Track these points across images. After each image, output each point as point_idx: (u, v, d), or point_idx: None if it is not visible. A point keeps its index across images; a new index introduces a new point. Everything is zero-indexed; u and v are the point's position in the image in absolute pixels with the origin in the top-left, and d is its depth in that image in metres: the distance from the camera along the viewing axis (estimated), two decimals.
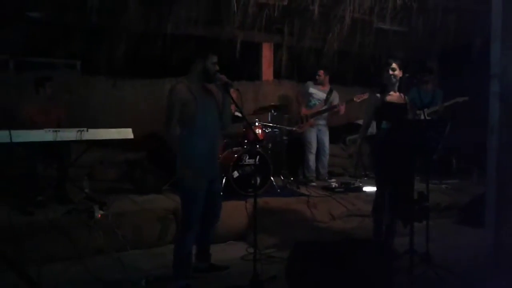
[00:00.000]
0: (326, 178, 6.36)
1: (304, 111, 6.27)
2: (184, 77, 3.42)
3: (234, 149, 5.41)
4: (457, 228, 5.27)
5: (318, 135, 6.32)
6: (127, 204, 4.70)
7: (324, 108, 6.23)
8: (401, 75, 4.05)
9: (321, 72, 6.35)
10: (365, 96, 5.52)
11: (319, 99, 6.29)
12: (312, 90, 6.32)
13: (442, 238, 4.53)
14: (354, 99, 5.79)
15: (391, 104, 4.04)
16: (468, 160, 6.97)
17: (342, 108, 6.04)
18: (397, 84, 4.07)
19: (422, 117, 4.23)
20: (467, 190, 5.94)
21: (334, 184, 5.88)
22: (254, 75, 7.67)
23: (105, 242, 4.09)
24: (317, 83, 6.36)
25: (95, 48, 6.58)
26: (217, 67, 3.40)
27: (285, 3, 6.50)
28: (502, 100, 4.41)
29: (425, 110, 5.97)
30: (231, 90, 3.44)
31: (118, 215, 4.32)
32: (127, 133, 4.61)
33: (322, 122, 6.33)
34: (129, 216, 4.38)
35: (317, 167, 6.38)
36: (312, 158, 6.29)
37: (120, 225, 4.20)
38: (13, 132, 3.84)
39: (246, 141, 5.52)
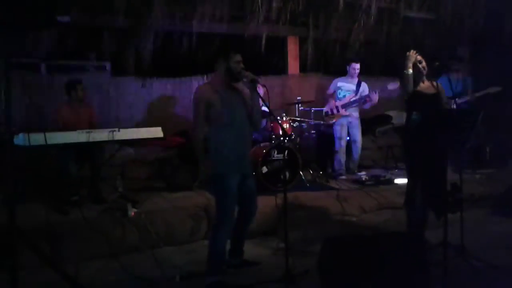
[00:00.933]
0: (356, 171, 6.29)
1: (333, 102, 6.20)
2: (211, 76, 3.45)
3: (262, 144, 5.42)
4: (492, 218, 5.13)
5: (349, 128, 6.23)
6: (159, 201, 4.80)
7: (355, 98, 6.15)
8: (425, 66, 3.98)
9: (357, 65, 6.16)
10: (397, 84, 5.41)
11: (348, 90, 6.21)
12: (340, 83, 6.25)
13: (476, 229, 4.43)
14: (388, 87, 5.69)
15: (422, 94, 3.97)
16: (502, 148, 6.77)
17: (375, 97, 5.93)
18: (424, 75, 3.99)
19: (454, 106, 4.14)
20: (501, 180, 5.78)
21: (364, 177, 5.82)
22: (280, 69, 7.65)
23: (139, 240, 4.18)
24: (346, 75, 6.26)
25: (124, 49, 6.69)
26: (242, 65, 3.40)
27: None
28: None
29: (456, 99, 5.87)
30: (258, 86, 3.44)
31: (151, 213, 4.41)
32: (157, 132, 4.68)
33: (355, 114, 6.22)
34: (161, 213, 4.46)
35: (347, 161, 6.31)
36: (341, 151, 6.22)
37: (152, 222, 4.28)
38: (48, 135, 3.95)
39: (274, 136, 5.53)
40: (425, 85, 4.01)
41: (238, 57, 3.39)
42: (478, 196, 5.42)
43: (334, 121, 6.19)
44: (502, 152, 6.74)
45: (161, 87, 6.82)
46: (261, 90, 3.54)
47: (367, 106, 6.17)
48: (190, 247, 4.33)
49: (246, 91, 3.50)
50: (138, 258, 4.02)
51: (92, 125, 4.82)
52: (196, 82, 6.96)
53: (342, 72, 6.38)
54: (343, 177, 6.07)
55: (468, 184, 5.16)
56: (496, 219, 5.07)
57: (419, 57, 3.96)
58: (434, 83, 3.99)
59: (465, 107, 6.01)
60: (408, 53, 4.00)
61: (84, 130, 4.27)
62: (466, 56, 7.90)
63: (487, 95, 6.09)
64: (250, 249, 4.00)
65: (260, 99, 3.55)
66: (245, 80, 3.37)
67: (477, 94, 6.14)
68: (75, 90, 4.99)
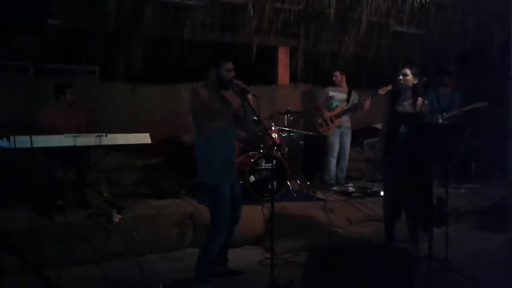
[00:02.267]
0: (343, 182, 6.32)
1: (327, 113, 6.23)
2: (202, 83, 3.45)
3: (251, 153, 5.42)
4: (477, 233, 5.18)
5: (340, 138, 6.27)
6: (145, 208, 4.76)
7: (348, 106, 6.19)
8: (414, 81, 4.01)
9: (337, 72, 6.29)
10: (389, 87, 5.46)
11: (340, 100, 6.25)
12: (332, 93, 6.28)
13: (461, 244, 4.47)
14: (379, 91, 5.74)
15: (402, 114, 4.00)
16: (487, 163, 6.85)
17: (367, 104, 5.98)
18: (409, 91, 4.03)
19: (441, 121, 4.19)
20: (487, 195, 5.84)
21: (351, 189, 5.85)
22: (270, 79, 7.68)
23: (124, 246, 4.14)
24: (335, 85, 6.32)
25: (114, 54, 6.67)
26: (233, 73, 3.40)
27: (301, 7, 6.51)
28: None
29: (444, 114, 5.94)
30: (248, 95, 3.45)
31: (136, 219, 4.37)
32: (145, 138, 4.68)
33: (346, 124, 6.28)
34: (147, 220, 4.43)
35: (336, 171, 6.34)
36: (333, 162, 6.24)
37: (137, 229, 4.24)
38: (34, 138, 3.92)
39: (262, 145, 5.53)
40: (408, 103, 4.02)
41: (229, 65, 3.39)
42: (463, 211, 5.47)
43: (329, 133, 6.21)
44: (487, 167, 6.83)
45: (150, 93, 6.80)
46: (250, 99, 3.54)
47: (359, 113, 6.22)
48: (175, 255, 4.31)
49: (236, 100, 3.50)
50: (122, 265, 3.98)
51: (80, 130, 4.77)
52: (186, 89, 6.95)
53: (332, 83, 6.43)
54: (335, 188, 6.08)
55: (453, 198, 5.20)
56: (480, 233, 5.13)
57: (406, 70, 3.99)
58: (419, 101, 4.00)
59: (453, 121, 6.08)
60: None
61: (71, 134, 4.25)
62: (454, 72, 8.02)
63: (474, 110, 6.17)
64: (236, 258, 3.99)
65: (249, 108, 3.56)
66: (235, 88, 3.37)
67: (464, 109, 6.21)
68: (64, 93, 4.95)
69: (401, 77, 4.00)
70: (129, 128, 6.08)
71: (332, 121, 6.18)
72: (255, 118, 3.55)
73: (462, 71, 8.11)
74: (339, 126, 6.21)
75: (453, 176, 6.17)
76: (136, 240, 4.18)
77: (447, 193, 3.81)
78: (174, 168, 5.47)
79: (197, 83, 3.49)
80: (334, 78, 6.30)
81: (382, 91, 5.68)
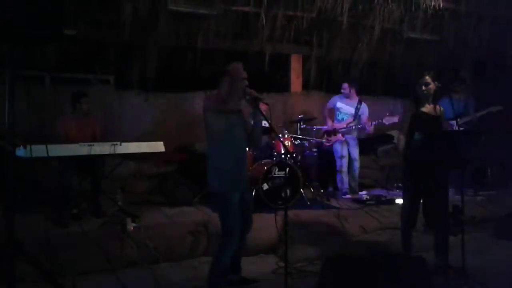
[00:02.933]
0: (357, 190, 6.27)
1: (332, 124, 6.21)
2: (216, 93, 3.46)
3: (264, 161, 5.42)
4: (494, 241, 5.09)
5: (348, 148, 6.23)
6: (159, 216, 4.78)
7: (352, 125, 6.14)
8: (434, 87, 3.99)
9: (345, 85, 6.21)
10: (395, 119, 5.46)
11: (347, 113, 6.21)
12: (339, 104, 6.24)
13: (478, 252, 4.39)
14: (384, 121, 5.72)
15: (424, 114, 3.98)
16: (504, 170, 6.76)
17: (371, 129, 5.97)
18: (431, 98, 4.01)
19: (455, 127, 4.15)
20: (503, 202, 5.75)
21: (365, 197, 5.80)
22: (283, 86, 7.68)
23: (138, 255, 4.14)
24: (344, 96, 6.28)
25: (128, 63, 6.74)
26: (247, 82, 3.40)
27: (314, 15, 6.52)
28: None
29: (458, 120, 5.89)
30: (260, 104, 3.44)
31: (150, 228, 4.38)
32: (158, 147, 4.70)
33: (350, 136, 6.25)
34: (161, 228, 4.43)
35: (348, 179, 6.29)
36: (344, 170, 6.20)
37: (152, 237, 4.24)
38: (50, 147, 3.95)
39: (275, 153, 5.52)
40: (429, 107, 4.03)
41: (244, 74, 3.39)
42: (479, 219, 5.39)
43: (332, 142, 6.18)
44: (504, 174, 6.73)
45: (163, 101, 6.85)
46: (263, 107, 3.53)
47: (361, 134, 6.20)
48: (189, 263, 4.29)
49: (246, 110, 3.50)
50: (136, 273, 3.98)
51: (95, 139, 4.81)
52: (199, 97, 6.99)
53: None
54: (348, 196, 6.03)
55: (469, 206, 5.13)
56: (497, 242, 5.03)
57: (427, 79, 3.97)
58: (437, 107, 4.01)
59: (467, 127, 6.02)
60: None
61: (86, 143, 4.29)
62: (468, 78, 7.95)
63: (489, 115, 6.10)
64: (250, 267, 3.97)
65: (262, 117, 3.54)
66: (248, 98, 3.37)
67: (479, 114, 6.15)
68: (79, 103, 5.01)
69: (423, 87, 3.97)
70: (143, 137, 6.14)
71: (334, 134, 6.16)
72: (266, 124, 3.54)
73: (477, 78, 8.03)
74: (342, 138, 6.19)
75: (469, 184, 6.09)
76: (150, 249, 4.17)
77: (463, 201, 3.75)
78: (188, 176, 5.50)
79: (210, 91, 3.50)
80: (342, 91, 6.24)
81: (387, 121, 5.68)
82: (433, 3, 6.13)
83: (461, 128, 5.80)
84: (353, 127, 6.12)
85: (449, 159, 3.69)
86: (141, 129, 6.46)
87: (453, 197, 3.96)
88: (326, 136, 6.25)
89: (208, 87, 6.98)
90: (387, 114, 5.80)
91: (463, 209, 3.77)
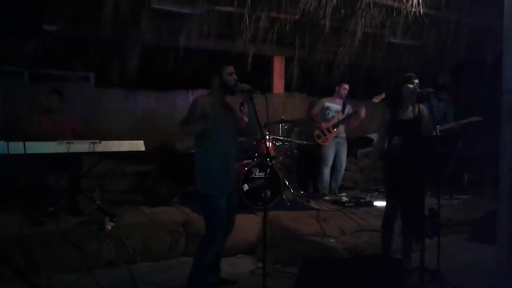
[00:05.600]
0: (337, 192, 6.33)
1: (324, 124, 6.26)
2: (207, 92, 3.46)
3: (245, 162, 5.42)
4: (469, 244, 5.19)
5: (336, 148, 6.29)
6: (138, 216, 4.74)
7: (344, 116, 6.23)
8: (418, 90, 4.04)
9: (347, 85, 6.30)
10: (383, 95, 5.50)
11: (336, 111, 6.29)
12: (328, 104, 6.31)
13: (453, 255, 4.47)
14: (373, 99, 5.77)
15: (402, 121, 4.02)
16: (480, 175, 6.90)
17: (363, 111, 6.00)
18: (414, 99, 4.05)
19: (435, 133, 4.21)
20: (479, 206, 5.86)
21: (344, 199, 5.86)
22: (265, 88, 7.70)
23: (115, 254, 4.11)
24: (337, 96, 6.34)
25: (109, 60, 6.67)
26: (235, 76, 3.38)
27: (297, 17, 6.55)
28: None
29: (438, 126, 5.99)
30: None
31: (128, 227, 4.34)
32: (138, 145, 4.66)
33: (342, 134, 6.31)
34: (139, 228, 4.40)
35: (330, 181, 6.35)
36: (327, 171, 6.25)
37: (130, 237, 4.21)
38: (27, 144, 3.90)
39: (256, 154, 5.53)
40: (409, 110, 4.06)
41: (230, 69, 3.38)
42: (455, 222, 5.48)
43: (326, 144, 6.21)
44: (479, 178, 6.88)
45: (144, 100, 6.81)
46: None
47: (354, 123, 6.25)
48: (167, 264, 4.27)
49: (237, 110, 3.51)
50: (114, 273, 3.94)
51: (69, 137, 4.61)
52: (181, 97, 6.97)
53: (326, 93, 6.47)
54: (327, 197, 6.08)
55: (446, 209, 5.21)
56: (472, 245, 5.14)
57: (416, 80, 4.00)
58: (420, 106, 4.04)
59: (447, 134, 6.13)
60: None
61: (65, 141, 4.22)
62: (448, 83, 8.10)
63: (468, 123, 6.23)
64: (228, 268, 3.98)
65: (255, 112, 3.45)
66: (241, 91, 3.34)
67: (460, 122, 6.28)
68: (47, 99, 4.90)
69: (412, 86, 3.98)
70: (123, 135, 6.08)
71: (329, 132, 6.20)
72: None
73: (456, 82, 8.19)
74: (336, 136, 6.23)
75: (446, 187, 6.20)
76: (128, 248, 4.15)
77: (440, 204, 3.82)
78: (168, 175, 5.46)
79: (192, 91, 3.50)
80: (342, 91, 6.27)
81: (376, 99, 5.72)
82: (414, 9, 6.21)
83: (439, 134, 5.92)
84: (346, 117, 6.19)
85: (427, 163, 3.76)
86: (121, 127, 6.41)
87: (430, 200, 4.03)
88: (319, 139, 6.25)
89: (190, 86, 6.98)
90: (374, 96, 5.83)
91: (439, 212, 3.85)
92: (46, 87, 5.26)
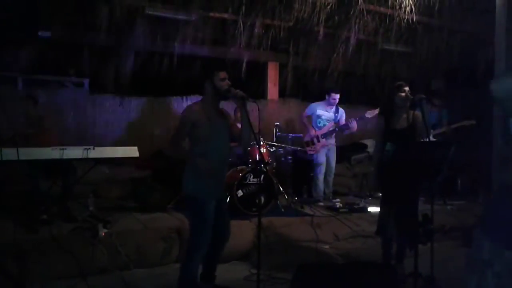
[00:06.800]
0: (331, 197, 6.34)
1: (314, 132, 6.27)
2: (200, 97, 3.47)
3: (239, 168, 5.43)
4: (463, 250, 5.21)
5: (327, 155, 6.30)
6: (131, 222, 4.72)
7: (335, 127, 6.24)
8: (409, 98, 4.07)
9: (337, 96, 6.24)
10: (376, 111, 5.52)
11: (328, 119, 6.29)
12: (319, 111, 6.30)
13: (447, 261, 4.48)
14: (366, 115, 5.79)
15: (395, 129, 4.05)
16: (473, 180, 6.94)
17: (354, 125, 6.00)
18: (407, 107, 4.08)
19: (427, 138, 4.23)
20: (472, 211, 5.88)
21: (338, 204, 5.87)
22: (260, 94, 7.73)
23: (109, 261, 4.10)
24: (324, 103, 6.35)
25: (103, 66, 6.67)
26: (228, 82, 3.38)
27: (291, 24, 6.59)
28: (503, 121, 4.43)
29: (431, 131, 6.03)
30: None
31: (122, 234, 4.33)
32: (132, 151, 4.65)
33: (332, 141, 6.32)
34: (133, 234, 4.38)
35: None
36: (321, 178, 6.25)
37: (123, 243, 4.20)
38: (21, 150, 3.88)
39: (250, 160, 5.54)
40: (402, 117, 4.08)
41: (223, 74, 3.37)
42: (449, 228, 5.50)
43: (314, 152, 6.22)
44: (473, 184, 6.91)
45: (139, 106, 6.81)
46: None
47: (345, 132, 6.26)
48: (161, 270, 4.26)
49: (232, 116, 3.52)
50: (107, 280, 3.93)
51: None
52: (175, 103, 6.98)
53: (320, 99, 6.48)
54: (321, 203, 6.09)
55: (439, 215, 5.23)
56: (466, 250, 5.14)
57: (407, 87, 4.03)
58: (411, 115, 4.07)
59: (440, 139, 6.16)
60: None
61: (58, 147, 4.21)
62: (442, 89, 8.17)
63: (461, 128, 6.27)
64: (222, 274, 3.95)
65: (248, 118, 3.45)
66: (234, 97, 3.34)
67: (453, 126, 6.31)
68: (23, 105, 4.80)
69: (403, 94, 4.01)
70: (117, 141, 6.09)
71: (318, 141, 6.21)
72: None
73: (449, 88, 8.26)
74: (326, 145, 6.24)
75: (439, 193, 6.23)
76: (121, 255, 4.14)
77: (433, 210, 3.84)
78: (162, 182, 5.45)
79: (187, 97, 3.51)
80: (332, 100, 6.25)
81: (368, 114, 5.75)
82: (406, 16, 6.27)
83: (433, 139, 5.96)
84: (337, 129, 6.19)
85: (420, 169, 3.78)
86: (115, 133, 6.41)
87: (423, 206, 4.05)
88: (307, 146, 6.26)
89: (185, 92, 6.99)
90: (367, 111, 5.85)
91: (432, 218, 3.86)
92: (41, 93, 5.24)
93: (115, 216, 4.83)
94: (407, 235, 3.91)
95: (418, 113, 4.06)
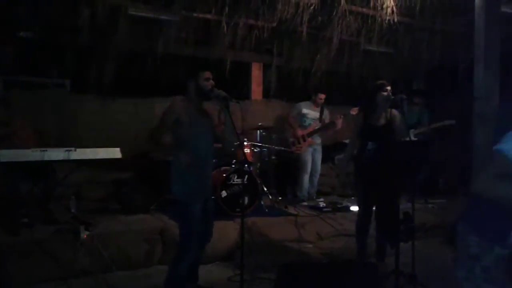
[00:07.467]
0: (314, 197, 6.38)
1: (300, 131, 6.30)
2: (183, 97, 3.45)
3: (223, 168, 5.42)
4: (443, 247, 5.29)
5: (312, 154, 6.34)
6: (114, 224, 4.68)
7: (320, 126, 6.27)
8: (390, 97, 4.12)
9: (323, 96, 6.37)
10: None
11: (313, 118, 6.35)
12: (305, 110, 6.37)
13: (428, 258, 4.55)
14: (351, 112, 5.84)
15: (374, 126, 4.10)
16: (454, 179, 7.04)
17: (339, 122, 6.06)
18: (387, 106, 4.13)
19: (409, 138, 4.30)
20: (453, 210, 5.96)
21: (322, 204, 5.90)
22: (244, 94, 7.73)
23: (91, 263, 4.06)
24: (313, 103, 6.39)
25: (85, 67, 6.59)
26: (212, 82, 3.39)
27: (274, 24, 6.60)
28: (484, 122, 4.51)
29: (412, 130, 6.11)
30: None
31: (104, 236, 4.29)
32: (115, 153, 4.61)
33: (318, 141, 6.37)
34: (116, 236, 4.35)
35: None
36: (306, 178, 6.30)
37: (105, 245, 4.17)
38: (0, 152, 3.83)
39: (234, 160, 5.54)
40: (382, 116, 4.13)
41: (207, 74, 3.38)
42: (430, 226, 5.58)
43: (300, 151, 6.26)
44: (454, 182, 7.02)
45: (121, 107, 6.73)
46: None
47: (330, 131, 6.31)
48: (144, 272, 4.24)
49: (214, 114, 3.51)
50: (89, 282, 3.90)
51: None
52: (159, 104, 6.92)
53: (305, 100, 6.52)
54: (305, 203, 6.12)
55: (420, 213, 5.30)
56: (446, 248, 5.23)
57: (389, 87, 4.08)
58: (388, 113, 4.11)
59: (421, 138, 6.24)
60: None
61: (39, 149, 4.15)
62: (423, 89, 8.27)
63: (441, 127, 6.36)
64: (206, 275, 3.96)
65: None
66: (217, 97, 3.35)
67: (433, 126, 6.39)
68: None
69: (385, 93, 4.06)
70: (99, 143, 6.01)
71: (304, 140, 6.25)
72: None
73: (430, 88, 8.36)
74: (311, 145, 6.29)
75: (421, 192, 6.31)
76: (104, 257, 4.10)
77: (414, 208, 3.89)
78: (145, 183, 5.42)
79: (174, 97, 3.49)
80: (318, 100, 6.34)
81: (353, 111, 5.79)
82: (388, 17, 6.33)
83: (414, 139, 6.03)
84: (322, 128, 6.24)
85: (400, 168, 3.83)
86: (98, 134, 6.32)
87: (405, 205, 4.09)
88: (294, 146, 6.29)
89: (169, 93, 6.94)
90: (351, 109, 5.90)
91: (413, 216, 3.92)
92: (20, 94, 5.17)
93: (97, 218, 4.79)
94: (389, 233, 3.96)
95: (395, 111, 4.12)
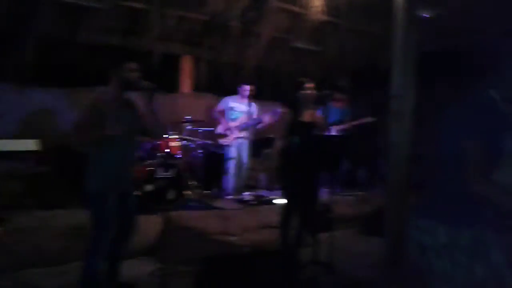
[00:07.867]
0: (241, 191, 6.45)
1: (227, 124, 6.33)
2: (106, 88, 3.35)
3: (148, 162, 5.33)
4: (359, 237, 5.57)
5: (239, 148, 6.40)
6: (29, 220, 4.43)
7: (248, 120, 6.35)
8: (314, 95, 4.27)
9: (247, 87, 6.44)
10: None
11: (240, 112, 6.41)
12: (232, 104, 6.42)
13: (346, 248, 4.78)
14: (278, 109, 5.95)
15: (301, 122, 4.23)
16: (372, 172, 7.43)
17: (267, 119, 6.18)
18: (310, 104, 4.27)
19: (331, 133, 4.48)
20: (370, 201, 6.27)
21: (248, 197, 5.98)
22: (173, 87, 7.63)
23: (3, 261, 3.84)
24: (240, 96, 6.45)
25: (2, 54, 6.18)
26: (138, 73, 3.33)
27: (206, 17, 6.58)
28: (400, 120, 4.78)
29: (334, 127, 6.37)
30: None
31: (18, 232, 4.09)
32: (32, 145, 4.40)
33: (245, 135, 6.44)
34: (30, 232, 4.15)
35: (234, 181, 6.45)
36: (232, 172, 6.35)
37: (19, 242, 3.97)
38: None
39: (159, 154, 5.47)
40: (307, 113, 4.27)
41: (132, 65, 3.32)
42: (349, 217, 5.84)
43: (227, 143, 6.30)
44: (372, 175, 7.41)
45: (41, 97, 6.38)
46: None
47: (258, 126, 6.41)
48: (60, 269, 4.07)
49: (141, 105, 3.44)
50: (2, 280, 3.70)
51: None
52: (82, 94, 6.65)
53: (234, 94, 6.56)
54: (230, 197, 6.17)
55: (339, 205, 5.52)
56: (363, 238, 5.52)
57: (310, 85, 4.21)
58: (315, 113, 4.28)
59: (342, 134, 6.52)
60: None
61: None
62: (347, 88, 8.60)
63: (362, 124, 6.68)
64: (128, 270, 3.88)
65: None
66: (142, 88, 3.30)
67: (354, 123, 6.70)
68: None
69: (306, 91, 4.19)
70: (16, 134, 5.68)
71: (231, 133, 6.30)
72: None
73: (355, 87, 8.72)
74: (239, 137, 6.35)
75: (341, 185, 6.58)
76: (17, 254, 3.90)
77: (333, 200, 4.07)
78: (64, 177, 5.20)
79: (97, 88, 3.39)
80: (244, 93, 6.42)
81: (281, 108, 5.92)
82: (316, 16, 6.53)
83: (336, 134, 6.30)
84: (250, 122, 6.31)
85: (320, 162, 3.99)
86: (15, 125, 5.96)
87: (326, 197, 4.27)
88: (223, 136, 6.32)
89: (93, 83, 6.68)
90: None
91: (332, 207, 4.10)
92: None
93: (12, 213, 4.53)
94: (308, 224, 4.11)
95: (316, 109, 4.29)
